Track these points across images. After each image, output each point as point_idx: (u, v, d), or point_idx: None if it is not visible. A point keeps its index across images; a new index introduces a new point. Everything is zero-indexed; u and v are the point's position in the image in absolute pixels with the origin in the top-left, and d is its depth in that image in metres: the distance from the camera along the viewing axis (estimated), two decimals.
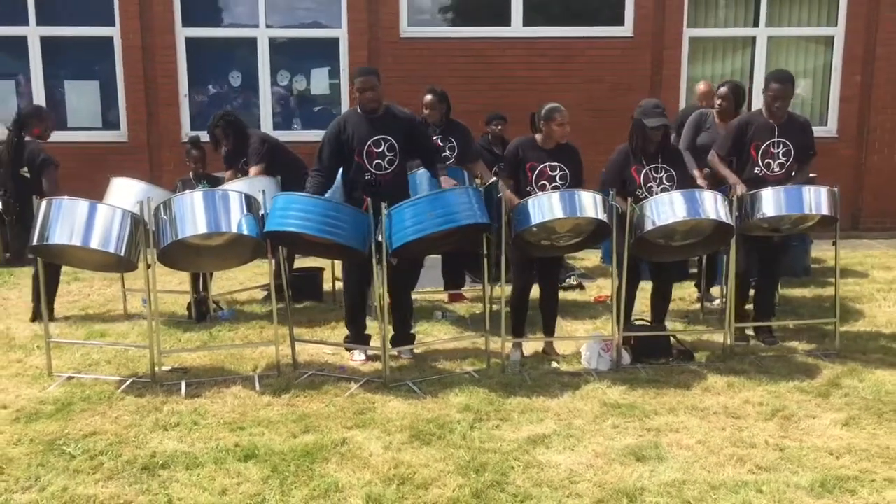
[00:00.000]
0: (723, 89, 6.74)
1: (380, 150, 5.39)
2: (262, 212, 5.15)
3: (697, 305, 6.91)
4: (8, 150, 6.52)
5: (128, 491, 3.81)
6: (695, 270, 7.19)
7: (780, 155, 5.71)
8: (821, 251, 8.48)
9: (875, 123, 10.53)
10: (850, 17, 10.36)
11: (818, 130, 10.46)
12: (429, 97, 6.70)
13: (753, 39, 10.52)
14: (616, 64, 10.26)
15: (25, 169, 6.47)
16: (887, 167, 10.57)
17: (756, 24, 10.49)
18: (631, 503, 3.67)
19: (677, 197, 5.23)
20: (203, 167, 6.88)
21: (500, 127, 7.67)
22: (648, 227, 5.21)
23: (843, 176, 10.36)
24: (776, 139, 5.69)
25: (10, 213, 6.51)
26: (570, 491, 3.78)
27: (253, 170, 6.76)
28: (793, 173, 5.78)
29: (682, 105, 10.02)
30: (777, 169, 5.72)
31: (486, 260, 5.43)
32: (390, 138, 5.39)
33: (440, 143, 6.61)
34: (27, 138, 6.58)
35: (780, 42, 10.58)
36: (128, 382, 5.17)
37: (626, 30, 10.32)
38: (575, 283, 7.71)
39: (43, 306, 5.58)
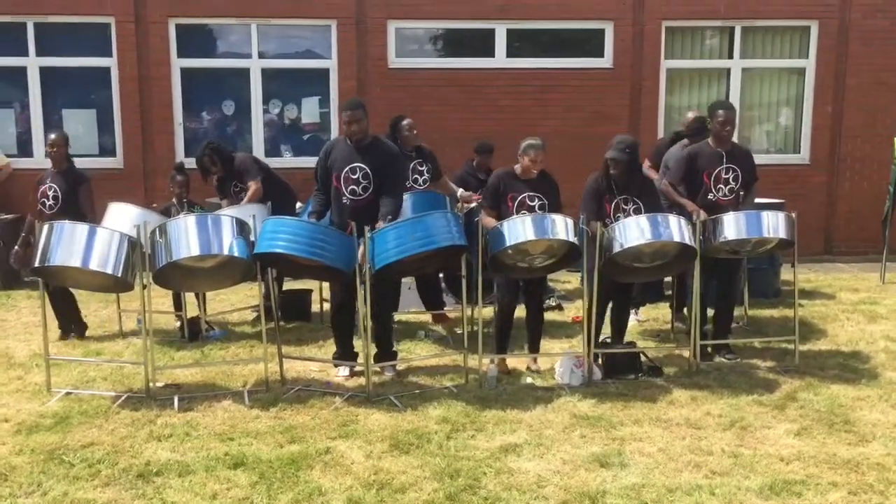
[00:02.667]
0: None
1: (355, 176, 5.72)
2: (252, 235, 5.45)
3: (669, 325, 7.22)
4: None
5: (124, 496, 4.08)
6: (670, 293, 7.51)
7: (731, 180, 6.09)
8: (792, 274, 8.78)
9: (846, 152, 10.92)
10: (820, 49, 10.77)
11: (791, 158, 10.98)
12: (409, 120, 7.05)
13: (728, 71, 10.92)
14: (596, 94, 10.64)
15: None
16: (858, 193, 10.94)
17: (731, 56, 10.90)
18: None
19: (643, 221, 5.57)
20: (187, 192, 7.20)
21: (489, 158, 7.89)
22: (617, 249, 5.54)
23: (815, 202, 10.82)
24: (725, 165, 6.07)
25: None
26: (538, 494, 4.07)
27: (253, 184, 7.09)
28: (740, 198, 6.12)
29: (661, 133, 10.42)
30: (728, 194, 6.11)
31: (464, 281, 5.73)
32: (366, 167, 5.71)
33: (420, 167, 7.00)
34: None
35: (753, 73, 10.99)
36: (123, 397, 5.44)
37: (605, 61, 10.71)
38: (554, 304, 8.02)
39: (43, 326, 5.82)
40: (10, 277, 8.85)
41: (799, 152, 11.11)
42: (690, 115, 8.06)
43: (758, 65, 10.97)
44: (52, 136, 7.05)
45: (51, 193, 6.81)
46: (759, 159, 7.34)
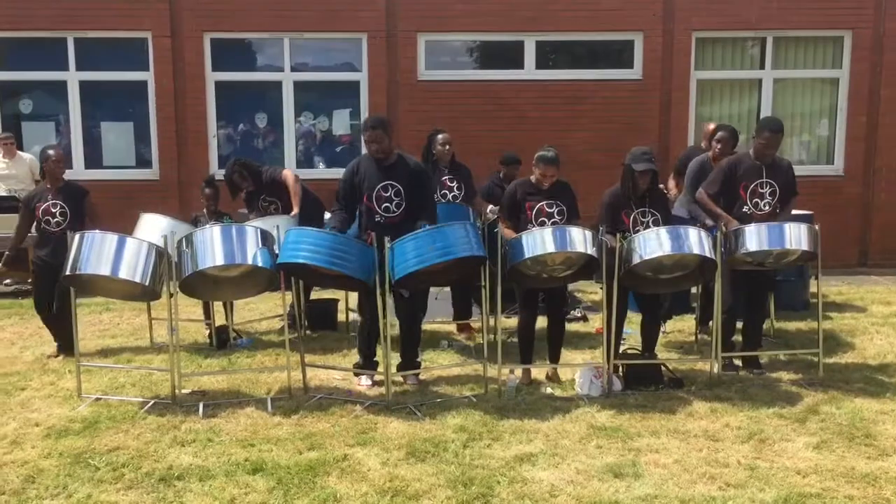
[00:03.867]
0: (722, 133, 7.03)
1: (387, 194, 5.79)
2: (276, 245, 5.56)
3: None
4: None
5: (146, 499, 4.19)
6: (696, 305, 7.47)
7: (767, 195, 6.03)
8: (824, 286, 8.68)
9: (881, 163, 10.79)
10: (854, 59, 10.68)
11: (825, 169, 10.85)
12: (445, 135, 7.13)
13: (760, 81, 10.86)
14: (626, 105, 10.66)
15: None
16: (893, 205, 10.79)
17: (762, 67, 10.83)
18: None
19: (663, 232, 5.58)
20: (216, 205, 7.36)
21: (515, 170, 7.93)
22: (636, 260, 5.55)
23: (850, 214, 10.70)
24: (764, 179, 6.02)
25: None
26: (550, 503, 4.09)
27: (296, 194, 7.24)
28: (777, 212, 6.06)
29: (692, 144, 10.37)
30: (764, 208, 6.04)
31: (484, 291, 5.78)
32: (398, 185, 5.78)
33: (449, 183, 7.04)
34: None
35: (785, 84, 10.91)
36: (150, 403, 5.57)
37: (635, 72, 10.73)
38: (580, 314, 8.03)
39: (74, 334, 5.95)
40: None
41: (833, 163, 10.99)
42: (711, 126, 8.07)
43: (790, 75, 10.90)
44: (56, 150, 6.93)
45: (57, 210, 6.66)
46: None
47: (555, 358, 6.11)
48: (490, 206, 7.30)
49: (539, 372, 6.16)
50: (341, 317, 7.76)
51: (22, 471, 4.50)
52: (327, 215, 7.49)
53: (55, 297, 6.63)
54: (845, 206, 10.66)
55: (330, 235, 5.57)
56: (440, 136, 7.11)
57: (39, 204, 6.73)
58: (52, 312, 6.73)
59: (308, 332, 7.44)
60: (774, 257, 6.00)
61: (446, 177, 7.09)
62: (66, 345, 6.74)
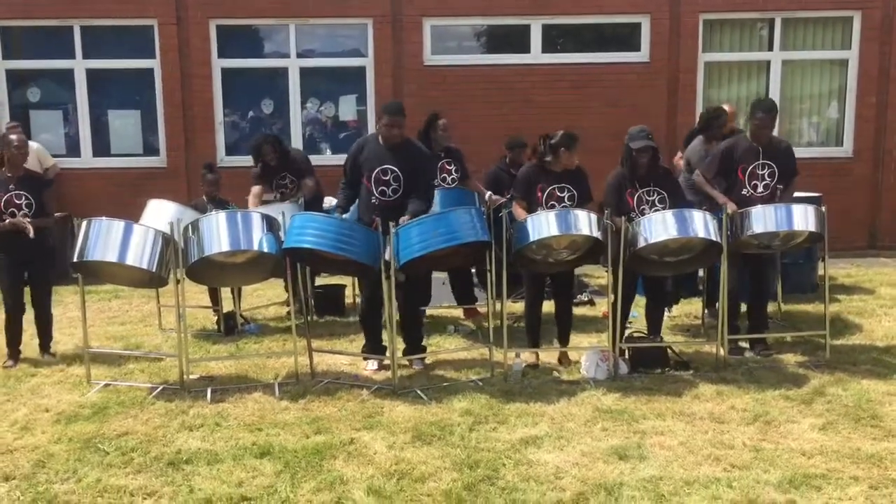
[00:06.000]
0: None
1: (386, 178, 5.79)
2: (281, 231, 5.58)
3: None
4: None
5: (154, 482, 4.23)
6: (703, 288, 7.46)
7: (766, 176, 6.00)
8: (832, 269, 8.66)
9: (891, 144, 10.69)
10: (863, 40, 10.57)
11: (834, 151, 10.78)
12: (444, 120, 7.11)
13: (768, 63, 10.77)
14: (633, 89, 10.58)
15: None
16: None
17: (770, 48, 10.75)
18: (609, 496, 3.98)
19: (669, 216, 5.57)
20: (217, 191, 7.40)
21: (521, 154, 7.91)
22: (641, 244, 5.55)
23: (859, 196, 10.63)
24: (761, 161, 5.99)
25: None
26: (555, 485, 4.11)
27: (311, 181, 7.36)
28: (777, 193, 6.04)
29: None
30: (762, 190, 6.02)
31: (489, 276, 5.79)
32: (397, 169, 5.78)
33: (448, 167, 7.07)
34: None
35: (794, 65, 10.83)
36: (159, 389, 5.61)
37: (642, 55, 10.66)
38: (586, 298, 8.03)
39: (82, 320, 5.96)
40: (59, 275, 9.12)
41: (842, 145, 10.91)
42: (725, 107, 7.98)
43: (799, 57, 10.80)
44: (18, 135, 6.51)
45: (23, 202, 6.14)
46: (800, 152, 7.23)
47: (565, 341, 6.12)
48: (489, 194, 7.26)
49: (546, 355, 6.17)
50: (348, 301, 7.78)
51: (32, 455, 4.55)
52: (326, 202, 7.56)
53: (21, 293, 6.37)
54: (854, 188, 10.59)
55: (335, 221, 5.59)
56: (441, 122, 7.10)
57: (2, 194, 6.14)
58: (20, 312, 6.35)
59: (315, 317, 7.47)
60: (781, 239, 5.98)
61: (444, 161, 7.10)
62: (45, 344, 6.52)
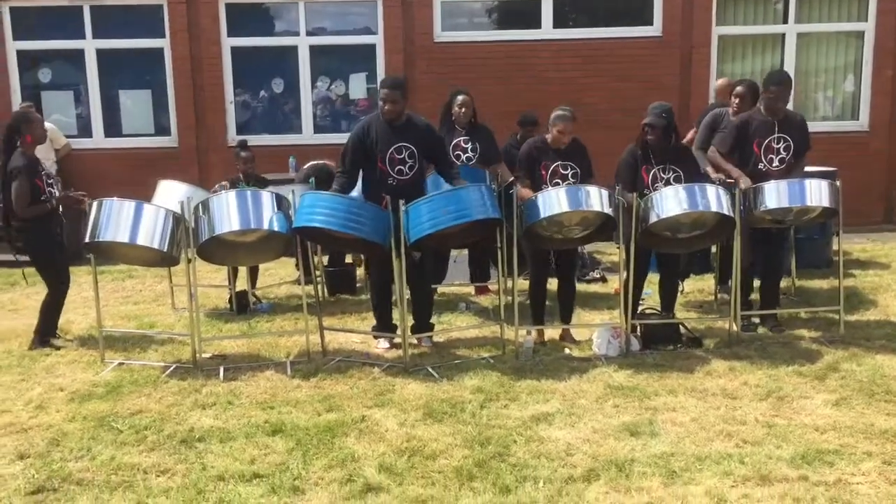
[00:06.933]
0: (740, 88, 6.91)
1: (401, 156, 5.75)
2: (291, 210, 5.57)
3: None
4: (4, 164, 6.00)
5: (168, 460, 4.25)
6: (716, 264, 7.41)
7: (781, 150, 5.93)
8: (847, 244, 8.59)
9: None
10: (880, 11, 10.42)
11: (849, 125, 10.66)
12: (464, 97, 7.03)
13: (783, 36, 10.64)
14: (645, 63, 10.48)
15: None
16: None
17: (785, 21, 10.61)
18: (620, 472, 3.97)
19: (681, 191, 5.52)
20: (253, 168, 7.40)
21: (532, 131, 7.86)
22: (653, 219, 5.51)
23: (874, 170, 10.52)
24: (777, 135, 5.92)
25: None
26: (566, 462, 4.11)
27: None
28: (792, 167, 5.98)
29: (712, 102, 10.22)
30: (778, 164, 5.95)
31: (500, 253, 5.77)
32: (411, 146, 5.74)
33: (464, 145, 6.97)
34: (17, 147, 6.03)
35: (809, 38, 10.68)
36: (172, 368, 5.64)
37: (654, 29, 10.55)
38: (598, 276, 8.00)
39: (95, 299, 5.98)
40: (74, 254, 9.16)
41: (858, 119, 10.79)
42: (721, 81, 7.95)
43: (814, 29, 10.66)
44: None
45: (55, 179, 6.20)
46: (815, 126, 7.16)
47: (567, 318, 6.10)
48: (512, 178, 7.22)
49: (554, 332, 6.17)
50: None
51: (47, 434, 4.59)
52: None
53: None
54: (870, 162, 10.47)
55: (345, 199, 5.57)
56: (459, 98, 7.03)
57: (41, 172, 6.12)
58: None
59: (326, 296, 7.48)
60: (794, 214, 5.92)
61: (461, 138, 7.01)
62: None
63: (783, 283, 6.56)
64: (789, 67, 10.43)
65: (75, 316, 7.07)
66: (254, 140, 8.93)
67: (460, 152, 7.00)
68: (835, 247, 8.35)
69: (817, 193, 5.68)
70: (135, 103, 10.92)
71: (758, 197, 5.69)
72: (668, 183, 5.75)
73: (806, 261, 7.77)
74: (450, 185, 5.86)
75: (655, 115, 5.70)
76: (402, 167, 5.76)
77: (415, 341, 5.93)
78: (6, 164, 6.00)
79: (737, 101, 6.85)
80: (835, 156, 9.13)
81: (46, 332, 6.23)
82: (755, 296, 6.30)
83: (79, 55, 10.64)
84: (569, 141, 5.80)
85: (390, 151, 5.75)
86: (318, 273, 6.55)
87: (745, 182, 5.78)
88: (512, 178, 6.76)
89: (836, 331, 6.00)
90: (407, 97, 5.84)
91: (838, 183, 5.80)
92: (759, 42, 10.80)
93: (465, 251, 7.51)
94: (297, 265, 6.64)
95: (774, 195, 5.64)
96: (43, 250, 6.05)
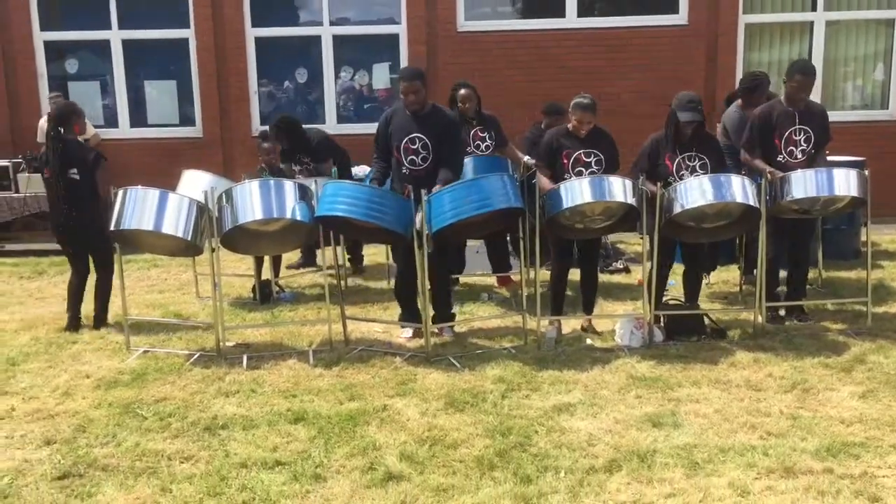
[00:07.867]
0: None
1: (415, 147, 5.74)
2: (314, 199, 5.58)
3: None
4: (54, 153, 6.12)
5: (191, 447, 4.29)
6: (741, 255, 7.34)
7: (802, 142, 5.85)
8: (876, 234, 8.47)
9: None
10: None
11: (879, 114, 10.50)
12: (466, 91, 7.03)
13: (811, 24, 10.49)
14: (671, 52, 10.38)
15: (75, 171, 6.12)
16: None
17: (814, 9, 10.45)
18: (642, 463, 3.96)
19: (706, 181, 5.46)
20: (276, 159, 7.44)
21: (558, 120, 7.80)
22: (677, 210, 5.46)
23: None
24: (797, 126, 5.84)
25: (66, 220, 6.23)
26: (587, 452, 4.10)
27: (329, 164, 7.36)
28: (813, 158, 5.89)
29: None
30: (799, 156, 5.87)
31: (522, 243, 5.75)
32: (425, 137, 5.72)
33: (481, 134, 7.00)
34: (69, 137, 6.22)
35: (838, 26, 10.52)
36: (196, 356, 5.68)
37: (680, 18, 10.44)
38: (622, 266, 7.95)
39: (121, 287, 6.04)
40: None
41: (887, 108, 10.62)
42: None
43: (843, 17, 10.49)
44: None
45: None
46: (844, 116, 7.05)
47: (589, 309, 6.07)
48: (526, 157, 7.20)
49: (576, 323, 6.14)
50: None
51: (73, 420, 4.65)
52: (355, 169, 7.58)
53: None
54: None
55: (367, 188, 5.58)
56: (461, 92, 7.02)
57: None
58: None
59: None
60: (821, 204, 5.84)
61: (477, 129, 7.04)
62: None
63: (810, 274, 6.48)
64: (818, 56, 10.30)
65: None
66: None
67: (479, 142, 7.03)
68: (863, 237, 8.26)
69: (845, 183, 5.60)
70: (160, 94, 11.00)
71: (784, 186, 5.62)
72: (693, 171, 5.69)
73: (833, 251, 7.68)
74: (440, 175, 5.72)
75: (692, 109, 5.56)
76: (414, 157, 5.75)
77: (436, 330, 5.93)
78: (62, 151, 6.13)
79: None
80: (863, 145, 9.01)
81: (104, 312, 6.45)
82: (782, 287, 6.22)
83: (105, 46, 10.72)
84: (589, 128, 5.74)
85: (405, 141, 5.75)
86: (340, 262, 6.56)
87: (778, 175, 5.67)
88: (533, 166, 6.75)
89: (864, 322, 5.92)
90: (426, 85, 5.84)
91: (867, 172, 5.70)
92: (786, 30, 10.65)
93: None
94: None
95: (801, 185, 5.57)
96: (105, 232, 5.96)
